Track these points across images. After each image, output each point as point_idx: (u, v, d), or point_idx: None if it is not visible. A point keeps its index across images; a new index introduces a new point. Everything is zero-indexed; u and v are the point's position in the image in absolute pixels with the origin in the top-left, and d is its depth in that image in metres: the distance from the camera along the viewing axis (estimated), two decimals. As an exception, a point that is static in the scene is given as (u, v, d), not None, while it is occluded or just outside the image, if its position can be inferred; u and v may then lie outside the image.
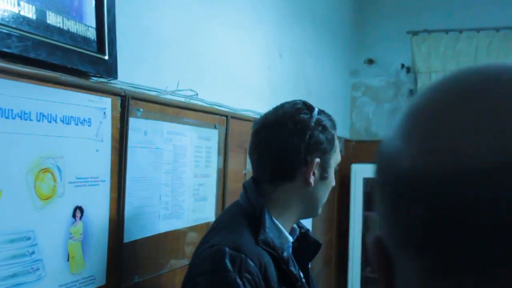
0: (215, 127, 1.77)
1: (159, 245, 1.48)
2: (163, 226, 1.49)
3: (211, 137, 1.75)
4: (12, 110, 0.96)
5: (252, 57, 2.18)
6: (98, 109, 1.20)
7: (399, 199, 0.39)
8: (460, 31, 3.54)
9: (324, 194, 1.28)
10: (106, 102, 1.22)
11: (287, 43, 2.55)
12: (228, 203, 1.75)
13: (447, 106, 0.38)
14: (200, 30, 1.72)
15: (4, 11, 0.93)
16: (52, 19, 1.04)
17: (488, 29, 3.48)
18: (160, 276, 1.48)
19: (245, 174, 1.99)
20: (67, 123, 1.10)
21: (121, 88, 1.27)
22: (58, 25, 1.06)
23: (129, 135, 1.30)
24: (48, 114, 1.04)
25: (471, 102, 0.37)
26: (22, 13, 0.97)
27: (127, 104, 1.29)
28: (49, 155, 1.05)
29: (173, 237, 1.55)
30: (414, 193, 0.37)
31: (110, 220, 1.25)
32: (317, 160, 1.21)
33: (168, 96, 1.50)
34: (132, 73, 1.34)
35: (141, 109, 1.36)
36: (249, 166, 1.95)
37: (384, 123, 3.80)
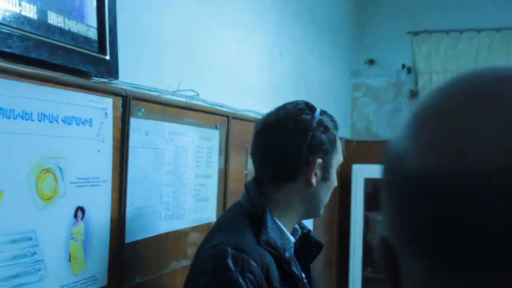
0: (216, 128, 1.77)
1: (161, 245, 1.48)
2: (165, 227, 1.49)
3: (212, 138, 1.75)
4: (13, 110, 0.96)
5: (252, 57, 2.18)
6: (99, 109, 1.19)
7: (406, 198, 0.39)
8: (461, 32, 3.54)
9: (326, 194, 1.28)
10: (107, 102, 1.22)
11: (287, 43, 2.55)
12: (229, 203, 1.75)
13: (453, 107, 0.39)
14: (200, 30, 1.72)
15: (5, 11, 0.93)
16: (54, 19, 1.04)
17: (488, 29, 3.48)
18: (161, 277, 1.48)
19: (246, 174, 1.99)
20: (69, 123, 1.10)
21: (122, 88, 1.27)
22: (59, 25, 1.06)
23: (130, 135, 1.30)
24: (49, 114, 1.04)
25: (476, 104, 0.37)
26: (23, 13, 0.97)
27: (128, 104, 1.28)
28: (51, 155, 1.05)
29: (175, 238, 1.55)
30: (421, 192, 0.38)
31: (112, 220, 1.25)
32: (319, 160, 1.21)
33: (169, 96, 1.50)
34: (132, 73, 1.33)
35: (142, 109, 1.36)
36: (250, 166, 1.96)
37: (385, 123, 3.80)
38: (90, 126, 1.16)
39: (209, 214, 1.75)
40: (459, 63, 3.52)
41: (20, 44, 0.95)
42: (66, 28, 1.08)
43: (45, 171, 1.04)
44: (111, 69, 1.20)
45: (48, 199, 1.05)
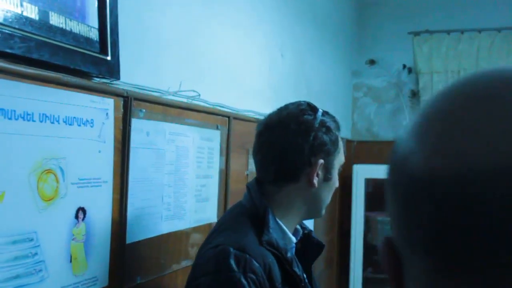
0: (217, 128, 1.77)
1: (162, 246, 1.48)
2: (166, 227, 1.49)
3: (213, 138, 1.75)
4: (14, 111, 0.95)
5: (253, 57, 2.18)
6: (101, 110, 1.19)
7: (411, 199, 0.40)
8: (462, 32, 3.53)
9: (328, 195, 1.28)
10: (108, 103, 1.22)
11: (288, 43, 2.55)
12: (230, 204, 1.75)
13: (459, 109, 0.39)
14: (200, 30, 1.72)
15: (7, 12, 0.93)
16: (55, 19, 1.04)
17: (489, 29, 3.48)
18: (162, 277, 1.48)
19: (247, 175, 1.99)
20: (70, 124, 1.09)
21: (123, 89, 1.27)
22: (61, 25, 1.06)
23: (132, 136, 1.30)
24: (50, 115, 1.04)
25: (480, 106, 0.38)
26: (25, 13, 0.97)
27: (129, 105, 1.28)
28: (52, 156, 1.05)
29: (176, 238, 1.54)
30: (425, 193, 0.38)
31: (113, 221, 1.25)
32: (321, 161, 1.21)
33: (170, 97, 1.50)
34: (133, 73, 1.33)
35: (144, 110, 1.36)
36: (251, 166, 1.96)
37: (385, 123, 3.80)
38: (91, 126, 1.16)
39: (210, 214, 1.75)
40: (460, 63, 3.52)
41: (22, 44, 0.95)
42: (68, 28, 1.08)
43: (46, 171, 1.03)
44: (113, 70, 1.20)
45: (49, 199, 1.05)
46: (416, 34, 3.61)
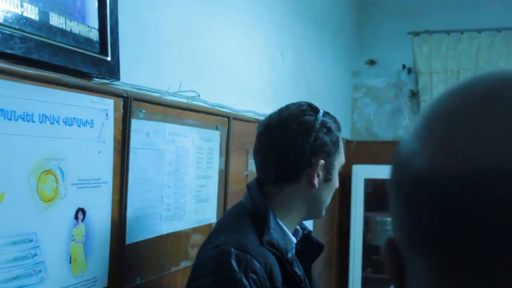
0: (217, 128, 1.77)
1: (161, 246, 1.48)
2: (165, 228, 1.49)
3: (213, 138, 1.75)
4: (14, 111, 0.95)
5: (253, 57, 2.18)
6: (101, 110, 1.19)
7: (413, 199, 0.40)
8: (462, 32, 3.54)
9: (328, 195, 1.28)
10: (108, 103, 1.22)
11: (288, 44, 2.55)
12: (230, 204, 1.75)
13: (461, 110, 0.40)
14: (200, 30, 1.72)
15: (7, 12, 0.92)
16: (55, 20, 1.04)
17: (489, 29, 3.48)
18: (162, 278, 1.48)
19: (246, 175, 1.98)
20: (70, 125, 1.09)
21: (123, 90, 1.27)
22: (61, 26, 1.05)
23: (131, 136, 1.30)
24: (50, 116, 1.04)
25: (482, 108, 0.39)
26: (25, 14, 0.96)
27: (129, 106, 1.28)
28: (52, 156, 1.05)
29: (175, 239, 1.54)
30: (428, 193, 0.39)
31: (112, 221, 1.24)
32: (322, 162, 1.21)
33: (170, 97, 1.50)
34: (133, 74, 1.33)
35: (144, 111, 1.35)
36: (250, 167, 1.95)
37: (385, 124, 3.81)
38: (91, 127, 1.16)
39: (209, 215, 1.74)
40: (459, 64, 3.52)
41: (22, 45, 0.95)
42: (68, 29, 1.07)
43: (46, 172, 1.03)
44: (112, 70, 1.20)
45: (49, 200, 1.05)
46: (416, 34, 3.61)
